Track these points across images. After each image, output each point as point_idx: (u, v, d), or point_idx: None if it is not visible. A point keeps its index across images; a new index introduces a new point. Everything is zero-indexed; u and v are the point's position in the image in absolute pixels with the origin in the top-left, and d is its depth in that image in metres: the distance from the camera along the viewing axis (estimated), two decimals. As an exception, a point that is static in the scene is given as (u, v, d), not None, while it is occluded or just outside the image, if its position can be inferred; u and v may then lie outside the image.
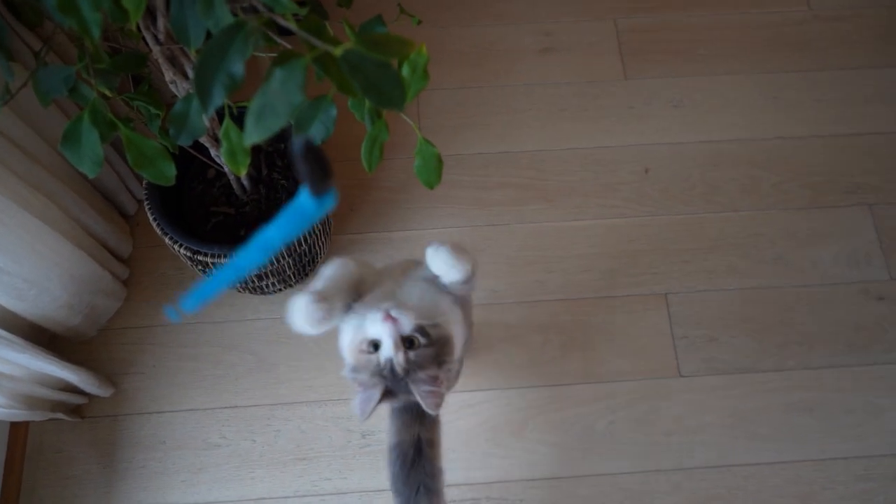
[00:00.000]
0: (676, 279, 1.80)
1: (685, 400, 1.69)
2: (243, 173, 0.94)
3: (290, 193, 1.54)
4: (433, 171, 0.96)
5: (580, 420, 1.67)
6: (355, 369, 1.05)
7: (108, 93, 0.99)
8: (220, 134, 0.92)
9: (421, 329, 1.01)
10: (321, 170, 0.69)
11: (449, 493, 1.58)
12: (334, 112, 0.88)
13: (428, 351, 1.02)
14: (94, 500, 1.58)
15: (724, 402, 1.68)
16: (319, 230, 1.51)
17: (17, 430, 1.59)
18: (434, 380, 1.02)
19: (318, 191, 0.71)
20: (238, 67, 0.67)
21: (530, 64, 2.07)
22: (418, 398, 1.03)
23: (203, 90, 0.67)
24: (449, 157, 1.91)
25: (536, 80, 2.04)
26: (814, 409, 1.67)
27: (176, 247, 1.39)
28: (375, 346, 1.02)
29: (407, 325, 1.00)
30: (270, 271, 1.48)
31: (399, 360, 1.00)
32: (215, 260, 1.38)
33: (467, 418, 1.66)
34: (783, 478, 1.61)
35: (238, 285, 1.57)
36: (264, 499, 1.59)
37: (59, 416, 1.57)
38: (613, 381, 1.70)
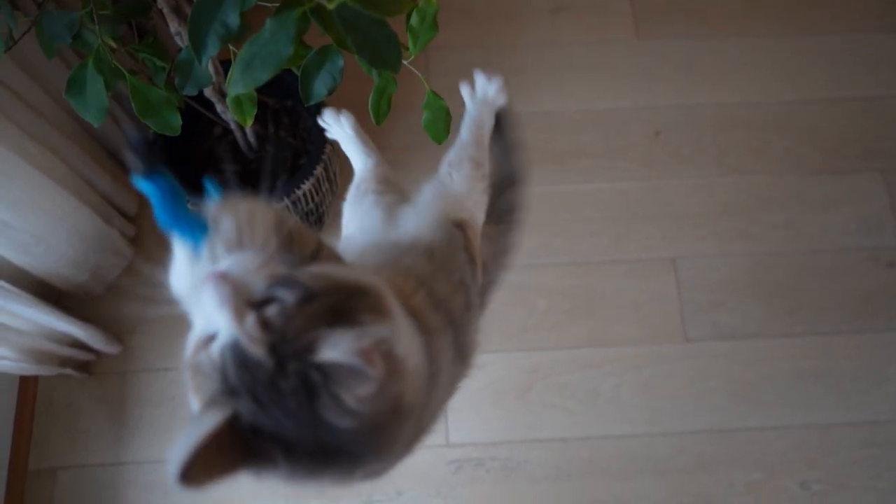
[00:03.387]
0: (685, 244, 1.78)
1: (692, 365, 1.68)
2: (249, 124, 0.93)
3: (297, 151, 1.53)
4: (442, 126, 0.95)
5: (585, 383, 1.67)
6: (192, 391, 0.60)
7: (112, 44, 0.97)
8: (226, 84, 0.91)
9: (286, 281, 0.59)
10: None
11: (453, 453, 1.60)
12: (341, 62, 0.87)
13: (312, 307, 0.57)
14: (103, 454, 1.60)
15: (730, 368, 1.68)
16: (326, 189, 1.50)
17: (27, 384, 1.61)
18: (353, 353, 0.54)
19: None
20: (233, 17, 0.65)
21: (541, 23, 2.03)
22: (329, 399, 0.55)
23: (197, 39, 0.66)
24: (458, 118, 1.88)
25: (547, 40, 2.00)
26: (821, 376, 1.67)
27: (182, 203, 1.38)
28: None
29: (249, 276, 0.58)
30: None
31: (251, 332, 0.56)
32: (221, 217, 1.37)
33: (474, 379, 1.65)
34: (787, 443, 1.62)
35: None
36: (271, 456, 1.60)
37: (68, 371, 1.59)
38: (619, 345, 1.70)
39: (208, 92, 1.30)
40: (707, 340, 1.70)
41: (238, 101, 0.89)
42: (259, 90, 1.55)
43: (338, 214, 1.81)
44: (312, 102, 0.87)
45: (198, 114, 1.53)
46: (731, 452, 1.61)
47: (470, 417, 1.64)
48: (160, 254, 1.84)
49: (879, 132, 1.88)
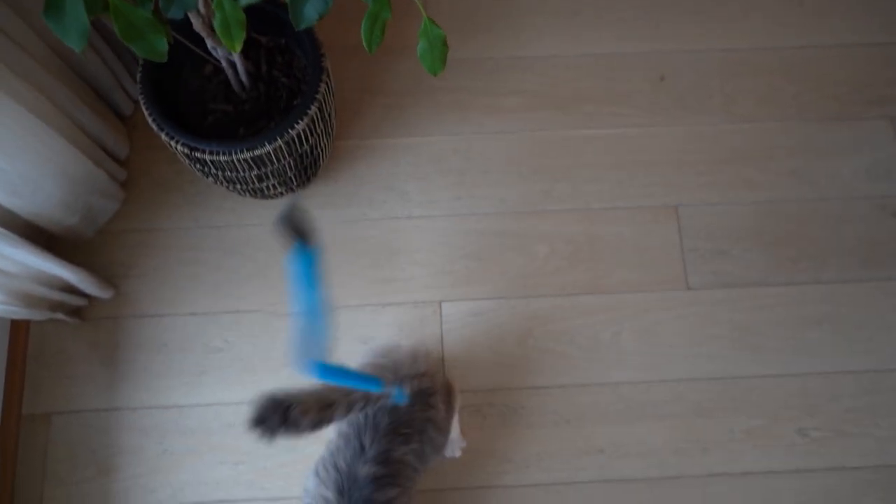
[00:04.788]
0: (689, 191, 1.75)
1: (693, 312, 1.66)
2: (238, 50, 0.89)
3: (291, 91, 1.49)
4: (438, 56, 0.90)
5: (585, 330, 1.65)
6: None
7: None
8: (213, 4, 0.86)
9: None
10: (302, 230, 0.83)
11: (451, 399, 1.58)
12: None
13: None
14: (97, 399, 1.59)
15: (731, 316, 1.66)
16: (321, 130, 1.46)
17: (18, 329, 1.58)
18: None
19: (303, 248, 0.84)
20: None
21: (544, -35, 1.96)
22: None
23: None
24: (458, 62, 1.84)
25: (550, -18, 1.94)
26: (823, 324, 1.65)
27: (173, 143, 1.34)
28: None
29: None
30: (271, 171, 1.44)
31: None
32: (214, 157, 1.33)
33: (473, 326, 1.64)
34: (788, 390, 1.60)
35: (239, 188, 1.53)
36: (267, 401, 1.59)
37: (60, 316, 1.56)
38: (620, 292, 1.68)
39: (197, 25, 1.25)
40: (709, 288, 1.68)
41: (225, 23, 0.84)
42: (252, 28, 1.50)
43: (334, 157, 1.77)
44: (303, 27, 0.82)
45: (188, 51, 1.48)
46: (731, 399, 1.60)
47: (468, 364, 1.62)
48: (152, 198, 1.82)
49: (890, 79, 1.83)
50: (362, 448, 1.11)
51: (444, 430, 1.27)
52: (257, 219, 1.71)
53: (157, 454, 1.56)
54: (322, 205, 1.72)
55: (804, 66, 1.85)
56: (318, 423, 0.98)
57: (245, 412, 1.56)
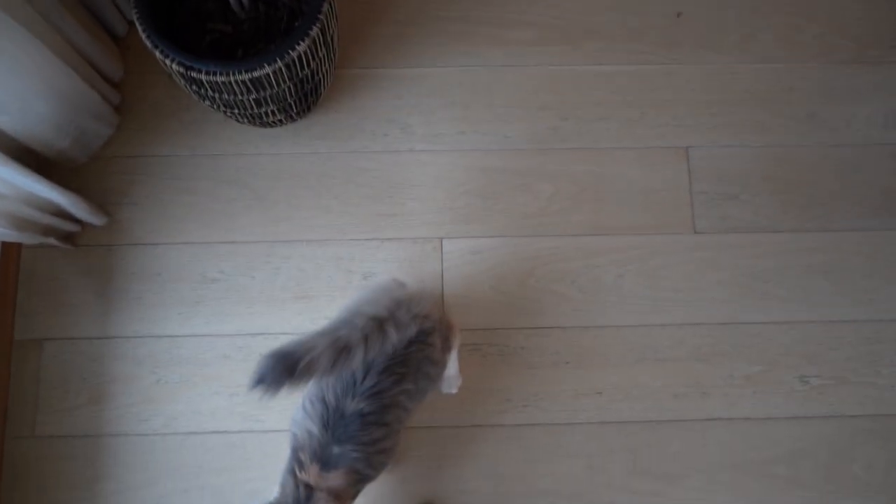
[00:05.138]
0: (700, 133, 1.69)
1: (698, 257, 1.63)
2: None
3: (292, 11, 1.42)
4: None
5: (587, 272, 1.62)
6: None
7: None
8: None
9: None
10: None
11: (451, 337, 1.56)
12: None
13: None
14: (90, 327, 1.56)
15: (737, 261, 1.63)
16: (323, 55, 1.40)
17: (9, 252, 1.55)
18: None
19: None
20: None
21: None
22: None
23: None
24: None
25: None
26: (830, 272, 1.62)
27: (168, 62, 1.28)
28: None
29: None
30: (270, 96, 1.38)
31: None
32: (210, 78, 1.28)
33: (474, 264, 1.61)
34: (791, 337, 1.58)
35: (237, 114, 1.47)
36: (263, 333, 1.57)
37: (52, 241, 1.52)
38: (624, 234, 1.64)
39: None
40: (716, 233, 1.64)
41: None
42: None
43: (335, 87, 1.71)
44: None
45: (184, -35, 1.41)
46: (732, 345, 1.58)
47: (468, 303, 1.59)
48: (147, 123, 1.76)
49: (915, 21, 1.76)
50: (353, 382, 1.08)
51: (440, 367, 1.24)
52: (255, 148, 1.65)
53: (150, 384, 1.54)
54: (322, 135, 1.66)
55: (827, 5, 1.77)
56: (333, 369, 0.96)
57: (239, 344, 1.55)
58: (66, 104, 1.46)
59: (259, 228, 1.62)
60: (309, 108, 1.60)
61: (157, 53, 1.28)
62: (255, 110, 1.43)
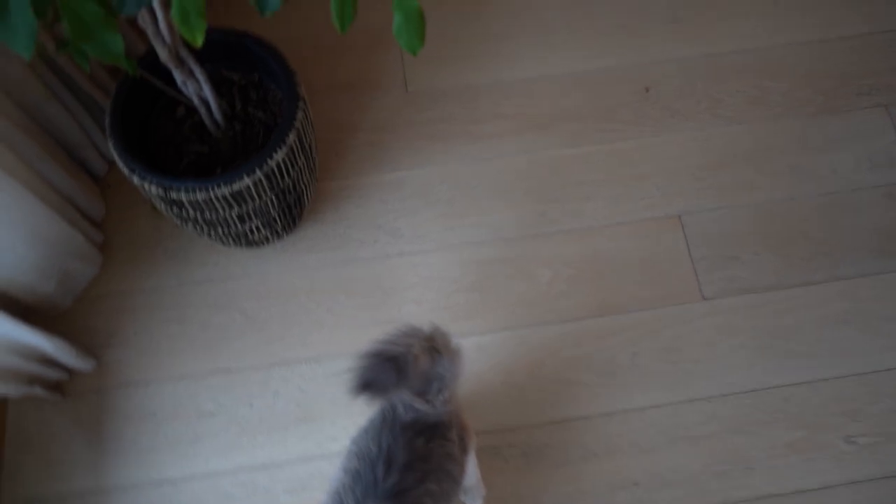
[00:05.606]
0: (689, 198, 1.68)
1: (712, 323, 1.57)
2: (200, 43, 0.82)
3: (268, 127, 1.42)
4: (414, 31, 0.84)
5: (600, 354, 1.54)
6: None
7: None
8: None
9: None
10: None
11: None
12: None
13: None
14: (83, 481, 1.45)
15: (753, 322, 1.56)
16: (303, 164, 1.39)
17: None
18: None
19: None
20: None
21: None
22: None
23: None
24: (435, 92, 1.80)
25: (521, 4, 1.91)
26: (850, 321, 1.55)
27: (146, 185, 1.26)
28: None
29: None
30: (253, 210, 1.36)
31: None
32: (190, 196, 1.26)
33: (480, 361, 1.54)
34: (825, 395, 1.49)
35: (222, 233, 1.44)
36: (267, 465, 1.46)
37: (38, 391, 1.44)
38: (632, 311, 1.58)
39: (163, 56, 1.20)
40: (724, 296, 1.59)
41: (184, 12, 0.78)
42: (224, 65, 1.46)
43: (319, 199, 1.69)
44: (267, 13, 0.76)
45: (157, 93, 1.43)
46: (767, 412, 1.49)
47: (480, 402, 1.51)
48: (130, 257, 1.73)
49: (877, 68, 1.80)
50: (374, 482, 0.99)
51: (461, 468, 1.15)
52: (243, 270, 1.61)
53: (151, 536, 1.42)
54: (309, 249, 1.63)
55: (789, 64, 1.82)
56: (424, 377, 0.93)
57: (242, 480, 1.44)
58: (50, 247, 1.43)
59: (253, 352, 1.55)
60: (294, 222, 1.58)
61: (135, 178, 1.27)
62: (240, 227, 1.41)
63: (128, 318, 1.58)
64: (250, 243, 1.54)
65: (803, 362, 1.52)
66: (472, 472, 1.30)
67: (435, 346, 0.98)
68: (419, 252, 1.64)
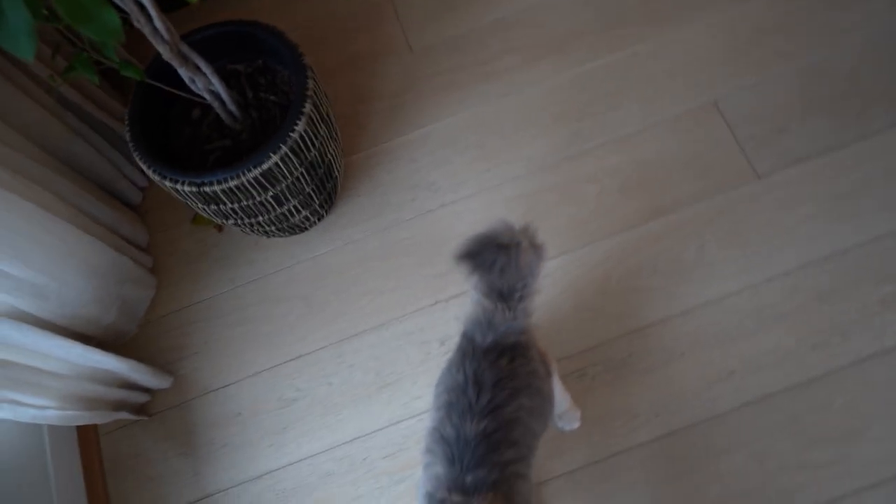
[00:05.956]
0: (721, 83, 1.62)
1: (772, 200, 1.50)
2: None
3: (283, 107, 1.42)
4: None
5: (664, 255, 1.50)
6: None
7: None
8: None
9: None
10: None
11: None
12: None
13: None
14: (185, 491, 1.47)
15: (816, 189, 1.50)
16: (325, 133, 1.38)
17: (89, 442, 1.49)
18: None
19: None
20: None
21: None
22: None
23: None
24: (439, 45, 1.77)
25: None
26: (917, 163, 1.48)
27: (179, 186, 1.27)
28: None
29: None
30: (288, 189, 1.35)
31: None
32: (223, 186, 1.26)
33: (547, 290, 1.50)
34: (909, 243, 1.42)
35: (263, 222, 1.44)
36: (359, 436, 1.46)
37: (125, 415, 1.47)
38: (687, 205, 1.53)
39: (166, 54, 1.20)
40: (780, 170, 1.52)
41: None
42: (226, 60, 1.46)
43: (351, 175, 1.68)
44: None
45: (171, 102, 1.44)
46: (849, 273, 1.42)
47: (555, 331, 1.47)
48: (182, 274, 1.74)
49: None
50: (469, 405, 0.97)
51: (548, 386, 1.13)
52: (291, 258, 1.61)
53: (263, 529, 1.42)
54: (351, 223, 1.62)
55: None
56: (525, 269, 0.96)
57: (339, 456, 1.44)
58: (103, 277, 1.45)
59: (320, 333, 1.55)
60: (331, 199, 1.57)
61: (167, 183, 1.28)
62: (279, 210, 1.40)
63: (193, 330, 1.60)
64: (293, 228, 1.54)
65: (878, 216, 1.45)
66: (560, 397, 1.27)
67: (534, 242, 0.99)
68: (460, 199, 1.61)
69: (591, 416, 1.40)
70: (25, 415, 1.22)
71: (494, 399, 0.99)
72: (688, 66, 1.65)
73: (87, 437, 1.49)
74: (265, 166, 1.26)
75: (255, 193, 1.31)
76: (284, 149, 1.27)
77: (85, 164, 1.54)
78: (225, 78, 1.46)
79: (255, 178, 1.27)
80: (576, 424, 1.38)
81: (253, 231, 1.51)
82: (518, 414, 1.02)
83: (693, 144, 1.58)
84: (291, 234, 1.59)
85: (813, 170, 1.51)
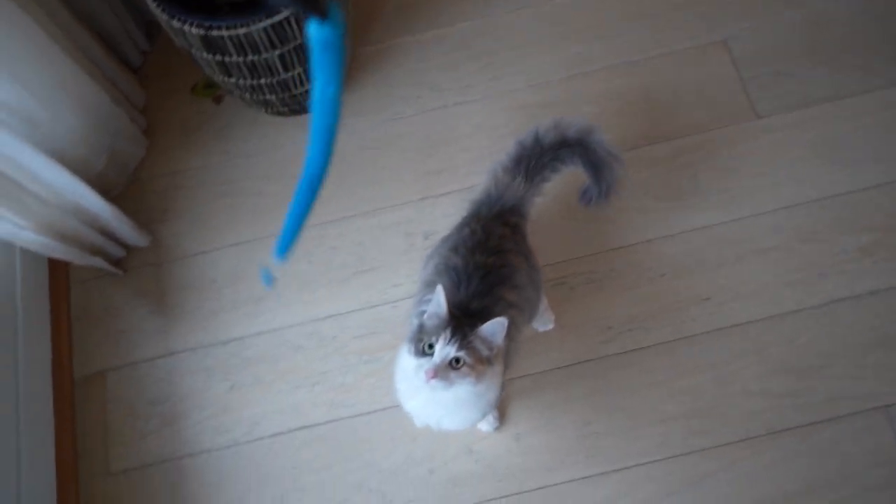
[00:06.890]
0: (731, 20, 1.63)
1: (768, 140, 1.53)
2: None
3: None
4: None
5: (657, 180, 1.51)
6: None
7: None
8: None
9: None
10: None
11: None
12: None
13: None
14: (150, 348, 1.46)
15: (811, 135, 1.52)
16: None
17: (59, 279, 1.47)
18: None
19: (318, 12, 0.73)
20: None
21: None
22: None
23: None
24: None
25: None
26: (913, 122, 1.51)
27: (187, 28, 1.25)
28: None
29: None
30: (296, 50, 1.33)
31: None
32: (232, 32, 1.24)
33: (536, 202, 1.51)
34: (892, 199, 1.45)
35: (266, 87, 1.43)
36: (333, 315, 1.46)
37: (99, 262, 1.45)
38: (686, 135, 1.55)
39: None
40: (780, 112, 1.54)
41: None
42: None
43: (359, 66, 1.65)
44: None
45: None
46: (833, 219, 1.45)
47: (542, 238, 1.47)
48: (177, 140, 1.71)
49: None
50: (479, 243, 1.08)
51: (538, 270, 1.17)
52: (288, 138, 1.61)
53: (224, 392, 1.42)
54: (355, 112, 1.62)
55: None
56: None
57: (309, 331, 1.43)
58: (96, 121, 1.43)
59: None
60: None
61: (175, 22, 1.26)
62: (283, 75, 1.39)
63: (180, 194, 1.58)
64: (294, 103, 1.52)
65: (865, 167, 1.48)
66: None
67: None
68: (464, 103, 1.62)
69: (567, 323, 1.41)
70: (2, 228, 1.20)
71: (502, 244, 1.08)
72: (701, 3, 1.66)
73: (58, 277, 1.48)
74: (276, 18, 1.25)
75: (262, 48, 1.30)
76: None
77: (94, 16, 1.51)
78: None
79: (265, 30, 1.26)
80: (550, 326, 1.39)
81: (253, 100, 1.50)
82: (521, 266, 1.07)
83: (697, 78, 1.59)
84: (291, 113, 1.58)
85: (812, 116, 1.53)
